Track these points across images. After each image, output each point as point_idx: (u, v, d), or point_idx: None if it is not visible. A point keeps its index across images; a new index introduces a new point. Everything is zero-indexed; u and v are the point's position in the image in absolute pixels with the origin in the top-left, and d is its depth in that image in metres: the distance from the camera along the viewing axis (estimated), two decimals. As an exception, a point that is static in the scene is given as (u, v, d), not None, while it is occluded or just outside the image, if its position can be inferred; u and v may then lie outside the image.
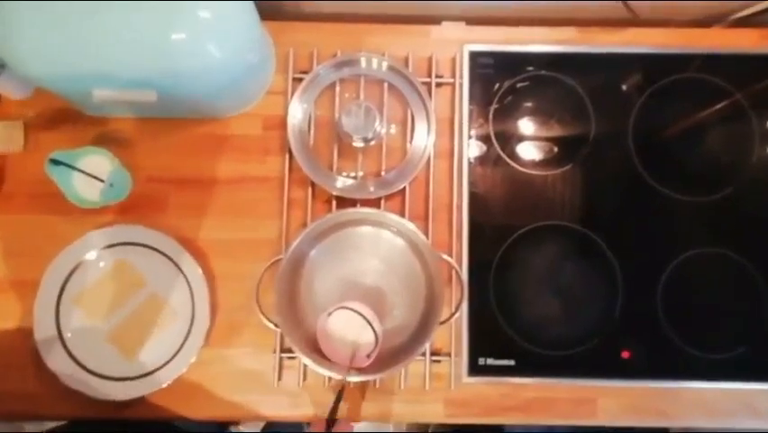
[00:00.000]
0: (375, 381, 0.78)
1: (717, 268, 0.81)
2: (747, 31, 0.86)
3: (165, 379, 0.76)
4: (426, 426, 1.18)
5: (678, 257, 0.81)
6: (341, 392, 0.72)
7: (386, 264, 0.79)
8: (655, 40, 0.86)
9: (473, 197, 0.82)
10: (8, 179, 0.82)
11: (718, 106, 0.85)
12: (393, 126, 0.83)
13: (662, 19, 0.87)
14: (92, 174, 0.75)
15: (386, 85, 0.82)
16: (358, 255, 0.79)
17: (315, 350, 0.75)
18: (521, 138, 0.84)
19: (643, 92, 0.84)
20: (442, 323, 0.74)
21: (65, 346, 0.77)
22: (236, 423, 1.20)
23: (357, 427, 0.75)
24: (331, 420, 0.70)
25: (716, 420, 0.79)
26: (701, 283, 0.81)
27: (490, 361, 0.79)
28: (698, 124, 0.85)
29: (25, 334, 0.77)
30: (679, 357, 0.79)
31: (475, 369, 0.79)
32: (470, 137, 0.83)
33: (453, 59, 0.85)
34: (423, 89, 0.81)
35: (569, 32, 0.86)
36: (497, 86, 0.85)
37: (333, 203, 0.80)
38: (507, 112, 0.84)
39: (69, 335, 0.78)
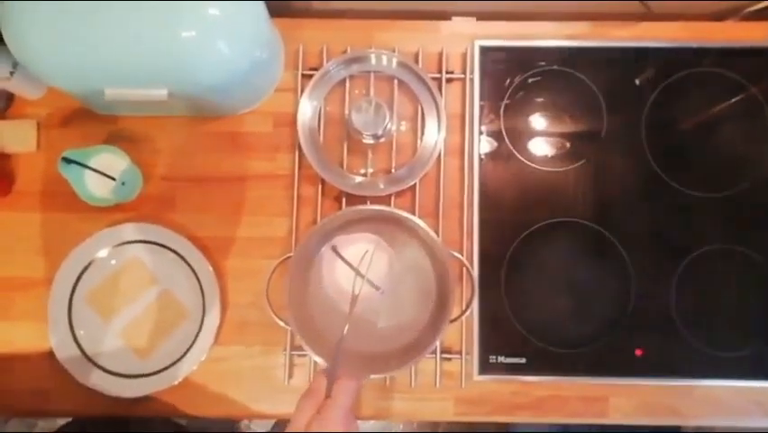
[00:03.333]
0: (386, 379, 0.78)
1: (731, 265, 0.80)
2: (762, 24, 0.85)
3: (176, 376, 0.76)
4: (437, 424, 1.18)
5: (691, 254, 0.80)
6: (340, 341, 0.66)
7: (396, 262, 0.78)
8: (668, 34, 0.85)
9: (484, 193, 0.81)
10: (21, 178, 0.83)
11: (733, 101, 0.84)
12: (403, 123, 0.82)
13: (674, 13, 0.86)
14: (104, 172, 0.76)
15: (396, 81, 0.82)
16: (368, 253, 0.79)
17: (326, 347, 0.75)
18: (533, 134, 0.83)
19: (656, 87, 0.83)
20: (452, 321, 0.74)
21: (78, 344, 0.78)
22: (246, 421, 1.20)
23: (366, 425, 0.75)
24: (331, 375, 0.62)
25: (729, 419, 0.79)
26: (715, 281, 0.80)
27: (501, 359, 0.78)
28: (712, 119, 0.84)
29: (38, 332, 0.78)
30: (692, 355, 0.78)
31: (486, 367, 0.78)
32: (481, 133, 0.83)
33: (464, 55, 0.84)
34: (433, 85, 0.80)
35: (581, 26, 0.85)
36: (508, 81, 0.84)
37: (343, 200, 0.80)
38: (519, 108, 0.84)
39: (82, 332, 0.78)
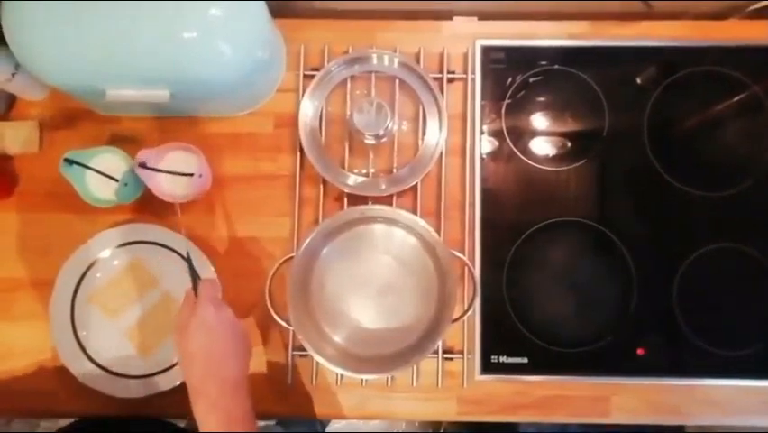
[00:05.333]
0: (387, 379, 0.78)
1: (733, 264, 0.80)
2: (763, 23, 0.84)
3: (179, 377, 0.76)
4: (439, 424, 1.18)
5: (693, 253, 0.80)
6: (188, 256, 0.72)
7: (398, 262, 0.78)
8: (670, 32, 0.85)
9: (486, 193, 0.81)
10: (24, 179, 0.83)
11: (735, 99, 0.84)
12: (405, 123, 0.82)
13: (676, 12, 0.86)
14: (106, 173, 0.76)
15: (397, 81, 0.82)
16: (370, 253, 0.79)
17: (328, 348, 0.76)
18: (534, 133, 0.83)
19: (657, 86, 0.83)
20: (454, 321, 0.74)
21: (80, 344, 0.78)
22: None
23: (369, 425, 0.75)
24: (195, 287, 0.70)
25: (731, 418, 0.79)
26: (717, 279, 0.80)
27: (503, 359, 0.78)
28: (714, 118, 0.84)
29: (42, 332, 0.78)
30: (694, 354, 0.78)
31: (488, 367, 0.78)
32: (482, 133, 0.83)
33: (465, 55, 0.84)
34: (434, 85, 0.80)
35: (582, 25, 0.85)
36: (509, 81, 0.84)
37: (345, 200, 0.80)
38: (520, 107, 0.84)
39: (84, 333, 0.78)
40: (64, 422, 0.82)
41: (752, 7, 0.84)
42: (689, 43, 0.84)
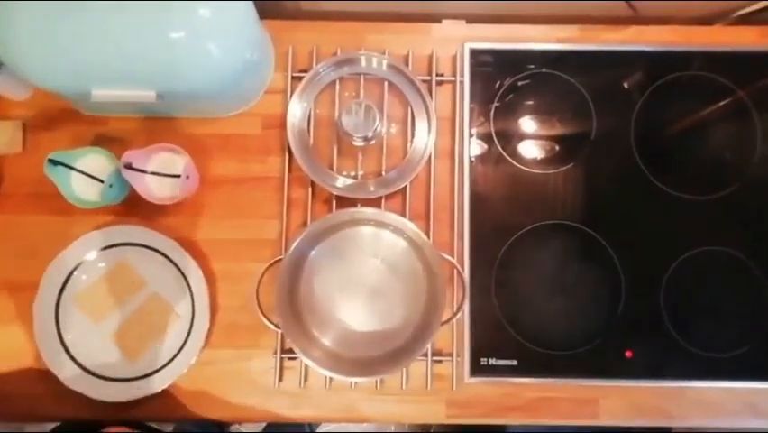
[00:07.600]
0: (377, 381, 0.78)
1: (719, 267, 0.81)
2: (749, 28, 0.86)
3: (165, 380, 0.76)
4: (428, 426, 1.18)
5: (680, 256, 0.80)
6: None
7: (387, 264, 0.78)
8: (657, 37, 0.85)
9: (474, 196, 0.81)
10: (7, 180, 0.82)
11: (720, 104, 0.84)
12: (393, 125, 0.82)
13: (663, 17, 0.87)
14: (91, 174, 0.75)
15: (386, 83, 0.82)
16: (358, 255, 0.79)
17: (317, 351, 0.75)
18: (522, 137, 0.84)
19: (644, 90, 0.84)
20: (443, 323, 0.74)
21: (65, 348, 0.77)
22: (237, 424, 1.20)
23: (359, 427, 0.75)
24: None
25: (719, 420, 0.79)
26: (704, 282, 0.81)
27: (492, 361, 0.78)
28: (700, 122, 0.85)
29: (26, 335, 0.77)
30: (682, 357, 0.79)
31: (477, 369, 0.78)
32: (471, 136, 0.83)
33: (454, 58, 0.84)
34: (423, 88, 0.80)
35: (570, 29, 0.85)
36: (498, 84, 0.84)
37: (334, 203, 0.80)
38: (509, 110, 0.84)
39: (70, 336, 0.77)
40: (49, 426, 0.81)
41: (737, 13, 0.85)
42: (675, 48, 0.85)
